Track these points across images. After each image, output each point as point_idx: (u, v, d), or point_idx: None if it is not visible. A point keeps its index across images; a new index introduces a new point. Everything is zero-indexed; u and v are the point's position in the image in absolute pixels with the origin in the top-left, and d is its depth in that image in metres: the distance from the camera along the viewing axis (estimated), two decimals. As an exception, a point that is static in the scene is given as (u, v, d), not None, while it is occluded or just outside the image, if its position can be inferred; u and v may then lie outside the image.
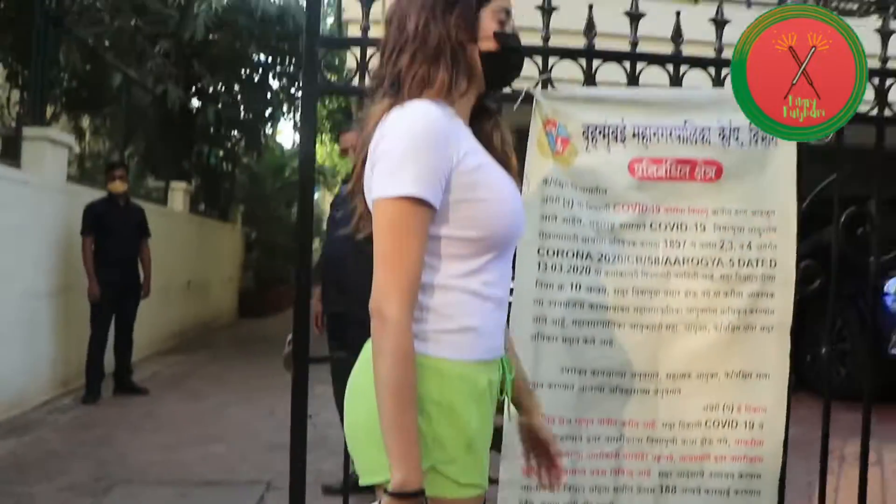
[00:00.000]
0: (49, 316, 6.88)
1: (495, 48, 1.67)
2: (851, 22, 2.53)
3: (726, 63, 2.70)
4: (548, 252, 2.51)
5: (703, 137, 2.56)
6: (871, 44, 2.71)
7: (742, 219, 2.59)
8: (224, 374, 8.52)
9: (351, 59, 3.65)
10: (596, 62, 2.68)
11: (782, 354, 2.62)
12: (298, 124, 14.63)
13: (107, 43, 10.05)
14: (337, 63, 11.71)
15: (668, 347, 2.58)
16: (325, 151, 18.99)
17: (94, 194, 7.35)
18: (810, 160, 2.66)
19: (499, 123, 1.79)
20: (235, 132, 13.83)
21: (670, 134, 2.55)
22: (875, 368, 3.11)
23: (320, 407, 2.75)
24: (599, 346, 2.55)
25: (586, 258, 2.53)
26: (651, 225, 2.57)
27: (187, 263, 11.17)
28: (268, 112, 13.78)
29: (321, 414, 2.92)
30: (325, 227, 5.28)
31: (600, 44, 2.72)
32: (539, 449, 1.94)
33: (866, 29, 2.78)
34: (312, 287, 3.28)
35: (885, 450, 4.32)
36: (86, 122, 9.67)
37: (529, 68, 2.24)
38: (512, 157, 1.78)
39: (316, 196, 14.37)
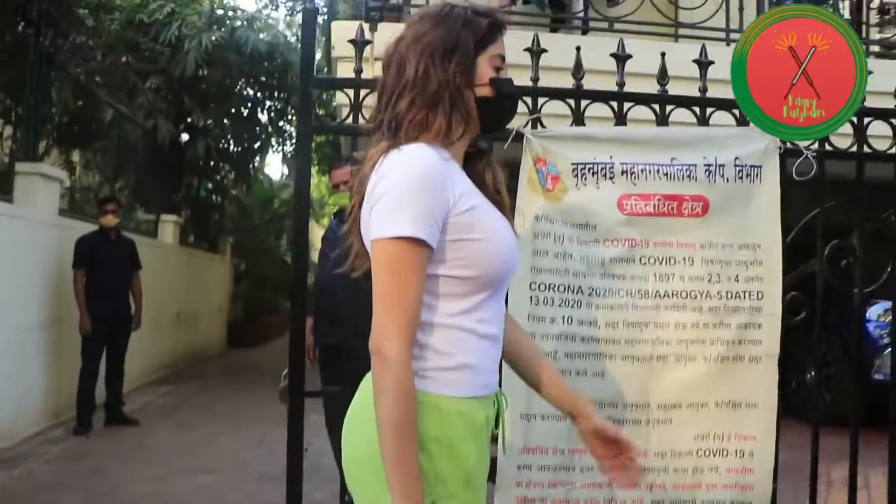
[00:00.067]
0: (40, 348, 6.89)
1: (491, 94, 1.71)
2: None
3: (711, 102, 2.78)
4: (540, 287, 2.56)
5: (689, 174, 2.63)
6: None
7: (729, 252, 2.65)
8: (214, 405, 8.51)
9: (340, 94, 3.72)
10: (584, 102, 2.75)
11: (770, 384, 2.67)
12: (290, 157, 14.69)
13: (98, 79, 10.14)
14: (325, 97, 11.81)
15: (659, 378, 2.62)
16: (313, 183, 19.03)
17: (85, 228, 7.39)
18: (794, 192, 2.72)
19: (491, 162, 1.83)
20: (225, 165, 13.89)
21: (658, 171, 2.61)
22: (859, 393, 3.17)
23: (312, 436, 2.78)
24: (591, 378, 2.59)
25: (578, 292, 2.59)
26: (640, 259, 2.62)
27: (177, 295, 11.19)
28: (256, 145, 13.86)
29: (313, 443, 2.96)
30: (316, 259, 5.31)
31: (588, 79, 2.78)
32: (609, 448, 1.90)
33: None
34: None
35: (871, 473, 4.35)
36: (77, 156, 9.71)
37: (519, 107, 2.31)
38: (504, 194, 1.82)
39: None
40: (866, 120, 2.88)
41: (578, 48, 2.78)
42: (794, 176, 2.69)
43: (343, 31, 5.11)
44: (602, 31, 5.47)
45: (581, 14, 5.91)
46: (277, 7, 17.25)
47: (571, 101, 2.75)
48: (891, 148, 2.94)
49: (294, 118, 13.65)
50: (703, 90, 2.81)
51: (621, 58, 2.82)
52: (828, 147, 2.83)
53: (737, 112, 2.79)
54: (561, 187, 2.60)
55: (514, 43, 1.79)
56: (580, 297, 2.59)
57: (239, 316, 15.93)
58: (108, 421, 7.16)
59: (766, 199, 2.68)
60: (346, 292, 3.46)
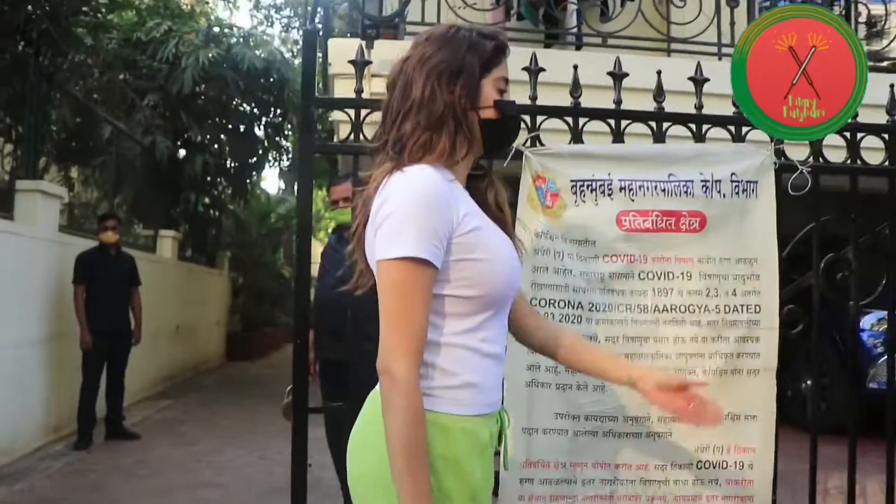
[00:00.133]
0: (41, 363, 6.90)
1: (495, 116, 1.74)
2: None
3: (706, 119, 2.82)
4: (540, 302, 2.59)
5: (686, 190, 2.66)
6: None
7: (726, 266, 2.68)
8: (214, 418, 8.52)
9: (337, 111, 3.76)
10: (582, 119, 2.80)
11: (769, 396, 2.70)
12: (286, 172, 14.67)
13: (97, 97, 10.20)
14: (322, 113, 11.87)
15: (659, 392, 2.65)
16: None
17: (85, 244, 7.43)
18: (788, 204, 2.76)
19: (493, 181, 1.85)
20: (222, 180, 13.95)
21: (655, 187, 2.65)
22: (856, 403, 3.20)
23: (313, 450, 2.81)
24: (592, 392, 2.62)
25: (577, 307, 2.62)
26: (639, 274, 2.66)
27: (176, 309, 11.22)
28: (253, 160, 13.92)
29: (315, 457, 2.98)
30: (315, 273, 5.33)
31: (583, 94, 2.82)
32: (677, 399, 1.89)
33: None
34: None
35: (867, 481, 4.39)
36: (76, 172, 9.76)
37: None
38: (507, 213, 1.84)
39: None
40: (859, 135, 2.92)
41: (576, 67, 2.82)
42: (790, 191, 2.73)
43: (340, 48, 5.16)
44: (595, 46, 5.53)
45: (574, 29, 5.98)
46: (273, 24, 17.39)
47: (570, 119, 2.79)
48: (884, 162, 2.99)
49: (290, 133, 13.72)
50: (699, 107, 2.85)
51: (618, 76, 2.86)
52: (822, 161, 2.87)
53: (732, 128, 2.85)
54: (560, 204, 2.63)
55: (509, 59, 1.82)
56: (580, 313, 2.62)
57: (237, 329, 16.00)
58: (108, 435, 7.18)
59: (763, 213, 2.72)
60: (351, 307, 3.49)
